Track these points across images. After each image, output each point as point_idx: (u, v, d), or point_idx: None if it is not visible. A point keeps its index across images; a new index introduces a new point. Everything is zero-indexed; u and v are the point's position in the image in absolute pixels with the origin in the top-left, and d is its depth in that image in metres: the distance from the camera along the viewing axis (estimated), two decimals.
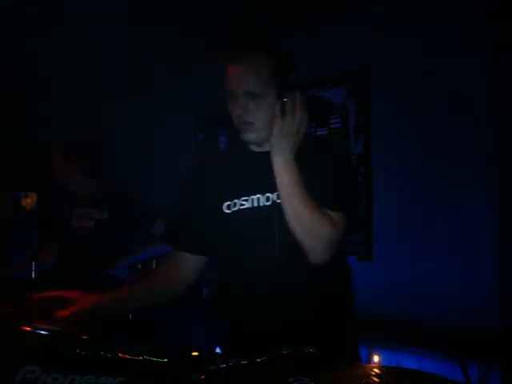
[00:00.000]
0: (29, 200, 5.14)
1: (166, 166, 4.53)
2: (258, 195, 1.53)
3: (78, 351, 1.16)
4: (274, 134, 1.45)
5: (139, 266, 4.06)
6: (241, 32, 3.21)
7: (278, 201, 1.48)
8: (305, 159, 1.47)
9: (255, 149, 1.59)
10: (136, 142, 4.76)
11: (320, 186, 1.46)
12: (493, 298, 2.60)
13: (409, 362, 2.66)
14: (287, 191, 1.43)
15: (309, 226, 1.41)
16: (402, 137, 3.05)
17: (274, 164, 1.45)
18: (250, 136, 1.53)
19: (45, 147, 2.96)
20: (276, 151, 1.45)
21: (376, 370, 1.05)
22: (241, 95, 1.48)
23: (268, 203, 1.52)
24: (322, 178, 1.47)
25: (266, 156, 1.49)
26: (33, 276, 2.50)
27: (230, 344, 1.60)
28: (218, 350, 1.50)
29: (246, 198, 1.55)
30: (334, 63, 3.35)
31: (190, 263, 1.67)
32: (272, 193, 1.51)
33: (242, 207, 1.55)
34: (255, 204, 1.53)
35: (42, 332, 1.36)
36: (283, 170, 1.44)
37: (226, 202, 1.57)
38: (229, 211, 1.56)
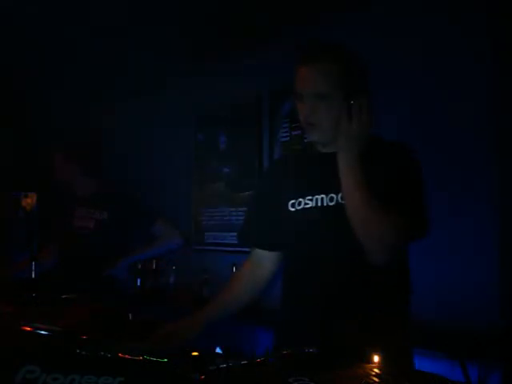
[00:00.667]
0: (29, 200, 5.14)
1: (166, 166, 4.54)
2: (322, 195, 1.55)
3: (78, 351, 1.16)
4: (340, 135, 1.47)
5: (139, 266, 4.07)
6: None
7: (343, 201, 1.49)
8: (370, 160, 1.48)
9: (321, 149, 1.61)
10: (136, 142, 4.76)
11: (385, 189, 1.46)
12: (493, 298, 2.60)
13: None
14: (352, 192, 1.45)
15: (372, 228, 1.42)
16: (402, 137, 3.04)
17: (339, 165, 1.47)
18: (315, 137, 1.56)
19: (45, 147, 2.97)
20: (342, 153, 1.47)
21: (376, 370, 1.05)
22: (307, 96, 1.51)
23: (332, 203, 1.54)
24: (387, 181, 1.48)
25: (332, 157, 1.52)
26: (33, 276, 2.49)
27: (282, 341, 1.63)
28: (218, 350, 1.50)
29: (310, 197, 1.57)
30: None
31: (266, 260, 1.72)
32: (336, 193, 1.53)
33: (306, 206, 1.58)
34: (319, 204, 1.56)
35: (42, 332, 1.36)
36: (348, 171, 1.45)
37: (291, 200, 1.60)
38: (293, 209, 1.60)
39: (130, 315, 1.78)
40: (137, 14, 3.27)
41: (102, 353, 1.15)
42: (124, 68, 4.13)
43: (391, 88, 3.12)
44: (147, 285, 4.16)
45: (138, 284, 4.12)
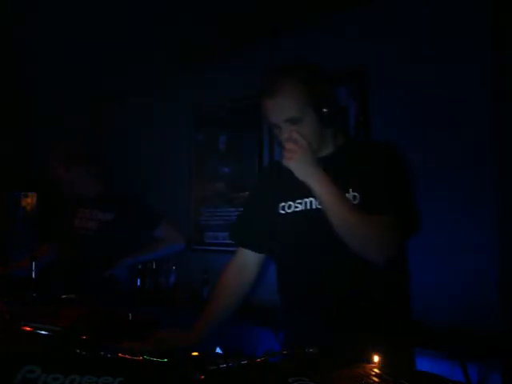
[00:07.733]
0: (29, 200, 5.15)
1: (166, 166, 4.54)
2: (311, 198, 1.57)
3: (77, 351, 1.16)
4: (284, 159, 1.49)
5: (139, 266, 4.07)
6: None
7: None
8: (356, 162, 1.52)
9: None
10: (136, 143, 4.76)
11: (373, 190, 1.48)
12: (493, 298, 2.60)
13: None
14: (325, 200, 1.46)
15: (355, 231, 1.44)
16: (402, 137, 3.05)
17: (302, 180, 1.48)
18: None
19: (47, 148, 2.96)
20: (295, 171, 1.48)
21: (376, 370, 1.05)
22: (283, 124, 1.52)
23: (321, 206, 1.53)
24: (374, 181, 1.49)
25: (321, 160, 1.53)
26: (33, 276, 2.49)
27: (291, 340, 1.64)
28: (218, 350, 1.50)
29: (300, 200, 1.60)
30: (334, 63, 3.35)
31: (251, 262, 1.73)
32: None
33: (296, 209, 1.61)
34: (308, 206, 1.58)
35: (42, 332, 1.36)
36: (312, 182, 1.47)
37: (281, 203, 1.64)
38: (283, 212, 1.63)
39: (130, 315, 1.78)
40: (137, 14, 3.27)
41: (102, 353, 1.15)
42: (124, 68, 4.13)
43: (391, 88, 3.13)
44: (147, 285, 4.16)
45: (138, 284, 4.12)
